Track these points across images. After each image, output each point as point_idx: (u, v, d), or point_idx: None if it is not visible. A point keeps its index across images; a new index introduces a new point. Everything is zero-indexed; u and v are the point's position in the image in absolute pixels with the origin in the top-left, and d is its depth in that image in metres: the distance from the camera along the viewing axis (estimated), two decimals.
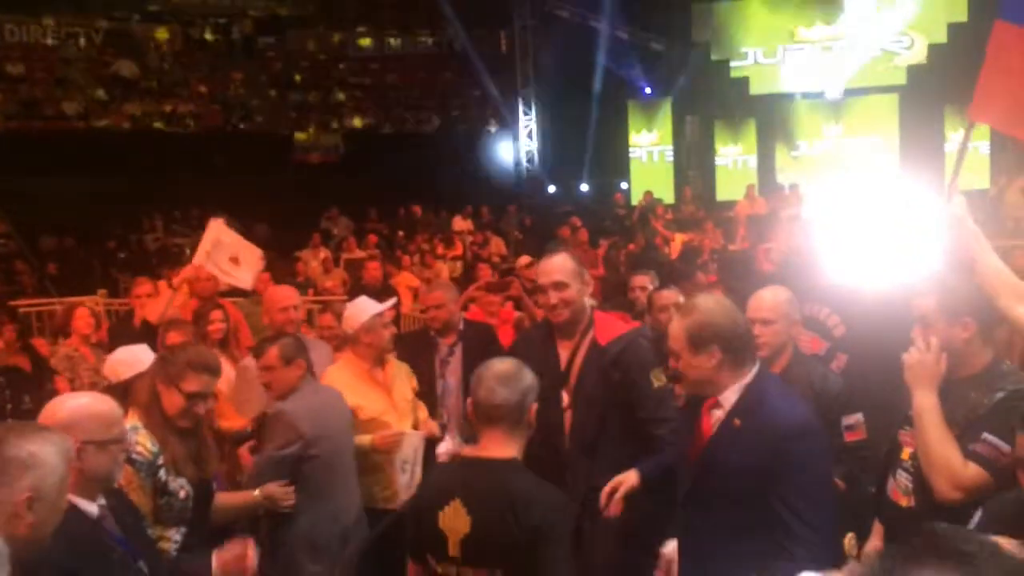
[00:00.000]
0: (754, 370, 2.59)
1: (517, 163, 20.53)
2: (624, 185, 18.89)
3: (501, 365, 2.54)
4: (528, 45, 20.12)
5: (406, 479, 4.04)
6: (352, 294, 6.65)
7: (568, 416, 3.48)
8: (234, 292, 6.49)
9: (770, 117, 17.98)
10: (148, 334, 4.78)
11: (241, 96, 19.96)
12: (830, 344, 3.85)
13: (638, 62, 18.79)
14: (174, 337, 4.38)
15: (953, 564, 1.14)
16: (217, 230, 5.84)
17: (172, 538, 2.97)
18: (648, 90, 19.13)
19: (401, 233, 15.49)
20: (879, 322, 3.49)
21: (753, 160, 18.14)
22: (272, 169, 17.93)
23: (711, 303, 2.63)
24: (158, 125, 18.61)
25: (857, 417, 3.30)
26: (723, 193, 17.64)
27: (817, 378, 3.33)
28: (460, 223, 15.90)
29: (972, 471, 2.37)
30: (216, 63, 20.56)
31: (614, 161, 19.14)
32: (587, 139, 18.19)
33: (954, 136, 15.59)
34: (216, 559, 2.81)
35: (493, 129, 21.29)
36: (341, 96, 20.96)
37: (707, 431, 2.62)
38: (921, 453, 2.51)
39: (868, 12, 16.60)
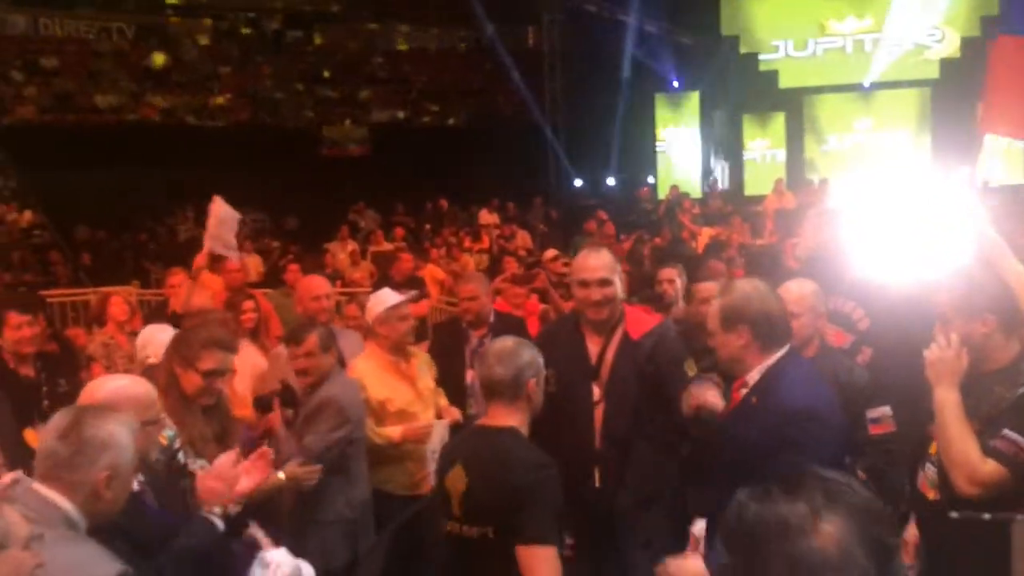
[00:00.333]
0: (780, 353, 2.71)
1: (544, 157, 20.53)
2: (651, 179, 18.83)
3: (501, 343, 2.76)
4: (556, 39, 20.09)
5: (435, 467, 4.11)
6: (378, 286, 6.73)
7: (599, 410, 3.46)
8: (264, 284, 6.60)
9: (799, 111, 17.83)
10: (181, 324, 4.88)
11: (270, 90, 20.13)
12: (855, 338, 3.84)
13: (666, 56, 18.69)
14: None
15: (803, 500, 1.19)
16: (219, 208, 5.91)
17: None
18: (676, 84, 19.03)
19: (428, 226, 15.58)
20: (904, 317, 3.48)
21: (782, 154, 18.01)
22: (301, 163, 18.07)
23: (748, 287, 2.81)
24: (189, 119, 18.82)
25: (883, 410, 3.29)
26: (751, 187, 17.54)
27: (843, 371, 3.32)
28: (486, 216, 15.96)
29: (990, 467, 2.39)
30: (246, 57, 20.75)
31: (641, 155, 19.09)
32: (614, 133, 18.13)
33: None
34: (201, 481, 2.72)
35: (520, 123, 21.30)
36: (369, 91, 21.07)
37: (731, 407, 2.77)
38: (941, 448, 2.54)
39: (900, 5, 16.41)
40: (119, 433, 2.14)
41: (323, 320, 4.56)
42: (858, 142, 17.48)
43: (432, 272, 10.30)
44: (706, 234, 12.28)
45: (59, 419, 2.16)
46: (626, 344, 3.47)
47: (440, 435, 4.19)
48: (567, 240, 13.01)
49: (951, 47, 16.51)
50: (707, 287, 4.75)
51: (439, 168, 17.53)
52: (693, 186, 17.60)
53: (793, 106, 17.85)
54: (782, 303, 2.88)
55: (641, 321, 3.56)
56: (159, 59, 19.38)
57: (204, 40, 20.90)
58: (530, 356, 2.71)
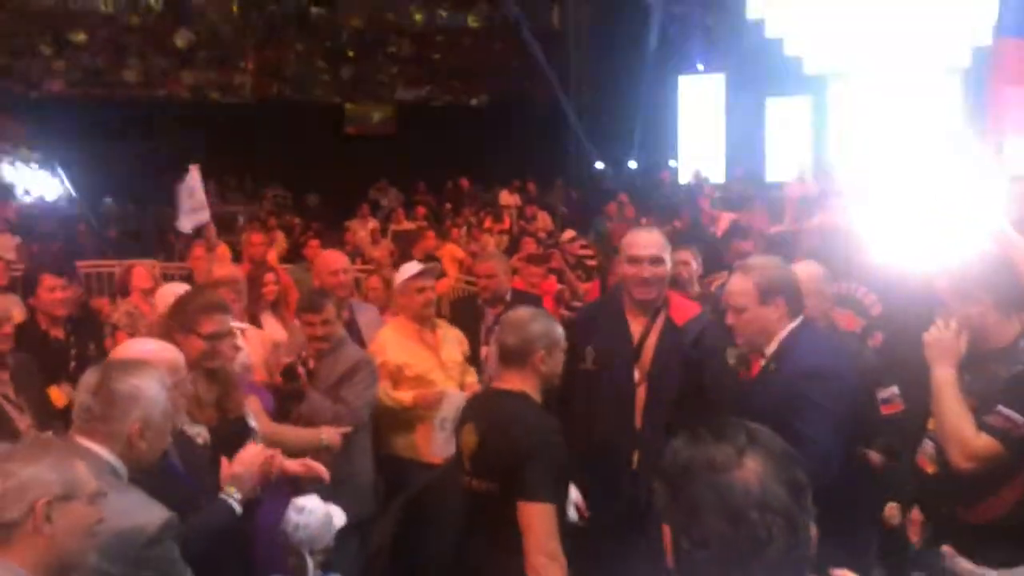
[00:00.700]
0: (795, 323, 2.88)
1: (566, 138, 20.48)
2: (672, 163, 18.75)
3: (516, 313, 2.89)
4: (580, 20, 19.99)
5: (444, 436, 4.18)
6: (399, 264, 6.81)
7: (640, 393, 3.40)
8: (284, 260, 6.71)
9: (824, 96, 17.65)
10: None
11: (294, 67, 20.21)
12: (866, 322, 3.87)
13: (691, 38, 18.55)
14: (226, 295, 4.56)
15: (729, 442, 1.35)
16: (195, 177, 6.17)
17: None
18: (700, 67, 18.89)
19: (449, 206, 15.63)
20: (915, 302, 3.50)
21: (806, 139, 17.85)
22: (323, 140, 18.18)
23: (770, 262, 2.98)
24: (214, 95, 18.95)
25: (892, 390, 3.31)
26: (773, 173, 17.42)
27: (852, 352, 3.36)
28: (507, 197, 15.98)
29: (984, 441, 2.47)
30: (270, 35, 20.83)
31: (664, 138, 18.99)
32: (637, 115, 18.06)
33: None
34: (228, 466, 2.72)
35: (542, 104, 21.25)
36: (393, 69, 21.09)
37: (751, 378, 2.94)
38: (937, 425, 2.63)
39: None
40: (147, 387, 2.25)
41: (341, 295, 4.66)
42: (883, 128, 17.28)
43: (452, 251, 10.36)
44: (726, 219, 12.23)
45: (89, 376, 2.27)
46: (670, 328, 3.41)
47: (455, 405, 4.24)
48: (587, 222, 13.02)
49: (982, 34, 16.25)
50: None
51: (461, 147, 17.57)
52: (716, 170, 17.50)
53: (818, 91, 17.67)
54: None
55: (685, 307, 3.52)
56: (184, 35, 19.49)
57: (230, 17, 20.98)
58: (542, 328, 2.78)
